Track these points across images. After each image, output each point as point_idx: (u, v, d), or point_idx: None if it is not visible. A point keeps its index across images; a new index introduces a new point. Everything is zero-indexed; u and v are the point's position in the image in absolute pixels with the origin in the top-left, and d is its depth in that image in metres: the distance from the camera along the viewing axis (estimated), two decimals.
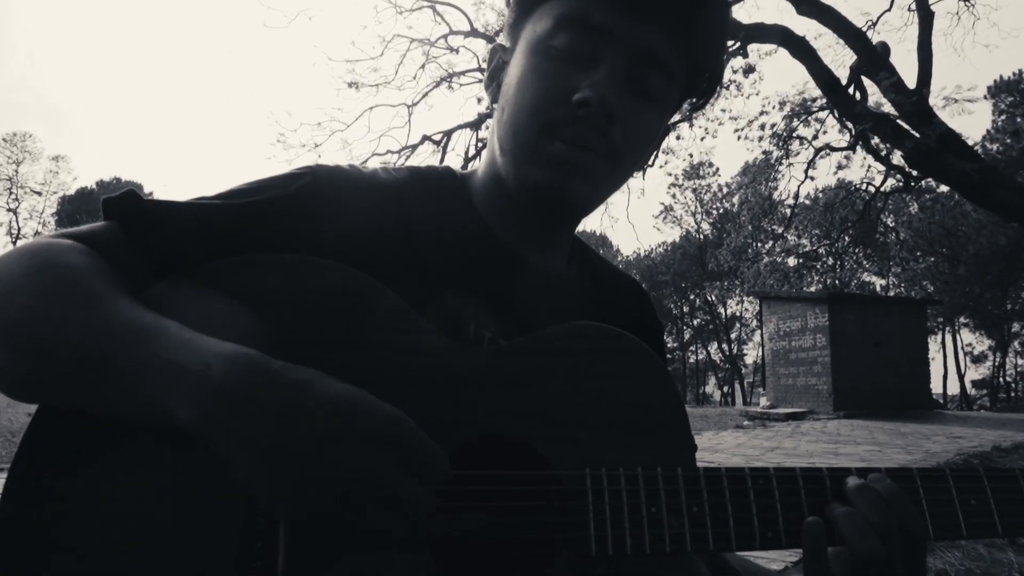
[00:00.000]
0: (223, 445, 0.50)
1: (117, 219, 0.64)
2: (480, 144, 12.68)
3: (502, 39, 0.76)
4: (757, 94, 15.79)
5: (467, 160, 12.58)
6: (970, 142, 16.92)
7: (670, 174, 16.92)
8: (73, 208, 51.37)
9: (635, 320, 0.86)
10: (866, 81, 12.16)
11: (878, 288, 43.29)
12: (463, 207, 0.76)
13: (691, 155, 16.57)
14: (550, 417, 0.59)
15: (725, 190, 46.35)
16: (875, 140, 13.40)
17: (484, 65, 0.80)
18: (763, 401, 17.48)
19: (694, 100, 0.76)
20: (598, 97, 0.63)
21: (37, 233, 51.74)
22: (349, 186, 0.71)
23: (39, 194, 52.17)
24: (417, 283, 0.67)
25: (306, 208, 0.67)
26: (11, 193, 51.00)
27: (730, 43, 12.99)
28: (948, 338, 44.18)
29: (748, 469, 0.58)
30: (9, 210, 50.96)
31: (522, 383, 0.61)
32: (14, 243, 50.52)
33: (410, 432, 0.52)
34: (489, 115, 0.80)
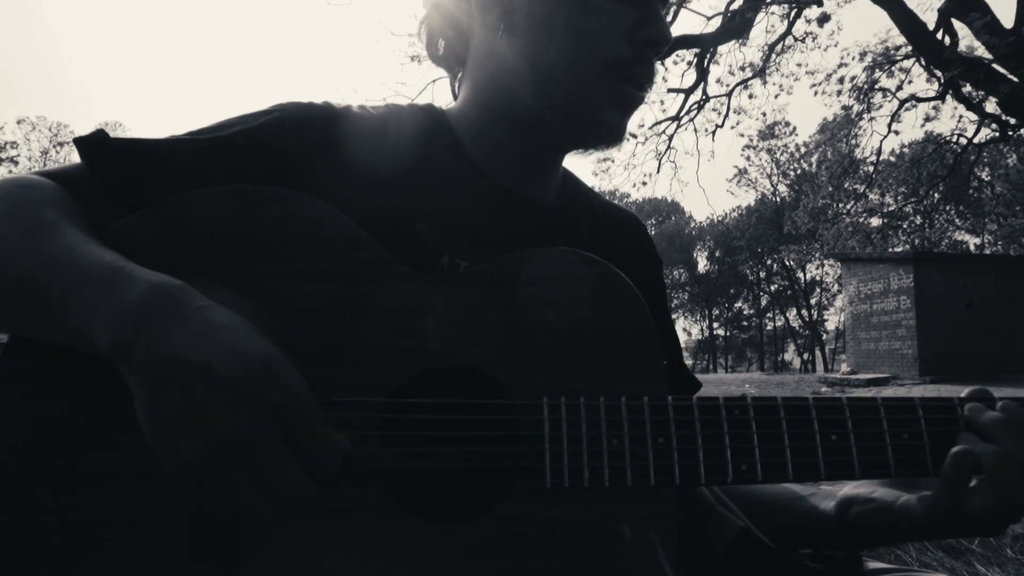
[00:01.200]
0: (127, 375, 0.49)
1: (87, 158, 0.65)
2: None
3: None
4: (836, 45, 14.95)
5: None
6: None
7: (743, 135, 16.33)
8: None
9: (632, 254, 0.82)
10: (956, 24, 11.31)
11: (972, 247, 40.83)
12: (443, 139, 0.74)
13: (764, 114, 15.91)
14: (512, 345, 0.56)
15: (803, 150, 44.47)
16: (967, 88, 12.50)
17: None
18: (843, 367, 16.85)
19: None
20: (664, 37, 0.65)
21: None
22: (320, 121, 0.70)
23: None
24: (391, 214, 0.66)
25: (271, 143, 0.67)
26: None
27: None
28: None
29: (722, 398, 0.53)
30: None
31: (485, 309, 0.57)
32: None
33: (307, 409, 0.48)
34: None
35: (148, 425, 0.47)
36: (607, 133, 0.70)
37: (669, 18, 0.69)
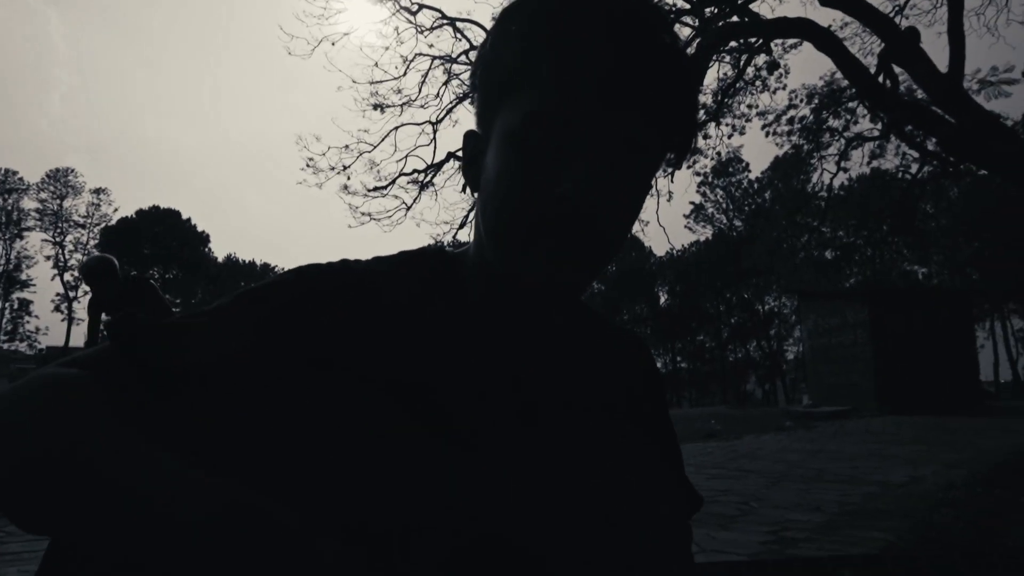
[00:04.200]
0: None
1: (118, 345, 0.65)
2: None
3: (476, 127, 0.75)
4: (784, 88, 15.38)
5: None
6: (1009, 123, 16.41)
7: (699, 173, 16.70)
8: (115, 238, 52.95)
9: (639, 380, 0.85)
10: (897, 68, 11.89)
11: (920, 277, 42.25)
12: (453, 291, 0.76)
13: (719, 153, 16.33)
14: (554, 521, 0.59)
15: (756, 186, 45.79)
16: (909, 127, 13.07)
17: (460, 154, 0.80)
18: (805, 400, 17.14)
19: (672, 157, 0.76)
20: (579, 192, 0.63)
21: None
22: (338, 291, 0.70)
23: (83, 227, 53.93)
24: (399, 383, 0.66)
25: (286, 321, 0.67)
26: (56, 227, 52.78)
27: (752, 40, 12.85)
28: (997, 325, 42.87)
29: (743, 564, 0.57)
30: (55, 243, 52.74)
31: (523, 482, 0.60)
32: (60, 275, 52.36)
33: None
34: (463, 174, 0.80)
35: None
36: (530, 285, 0.69)
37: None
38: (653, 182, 0.77)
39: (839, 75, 12.96)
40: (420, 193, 13.60)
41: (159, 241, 53.49)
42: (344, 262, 0.75)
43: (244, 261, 64.08)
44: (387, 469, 0.60)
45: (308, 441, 0.62)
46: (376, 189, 13.43)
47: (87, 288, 5.47)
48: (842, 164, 16.05)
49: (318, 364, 0.64)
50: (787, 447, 8.02)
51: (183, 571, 0.53)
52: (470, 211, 13.61)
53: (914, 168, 15.78)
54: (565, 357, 0.79)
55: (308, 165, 13.79)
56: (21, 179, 52.68)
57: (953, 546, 2.54)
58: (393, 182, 13.29)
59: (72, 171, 54.10)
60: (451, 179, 13.36)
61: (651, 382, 0.88)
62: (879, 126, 14.56)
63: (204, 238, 58.72)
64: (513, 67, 0.67)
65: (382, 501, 0.59)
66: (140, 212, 55.75)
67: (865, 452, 7.16)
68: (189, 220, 57.95)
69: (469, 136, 0.75)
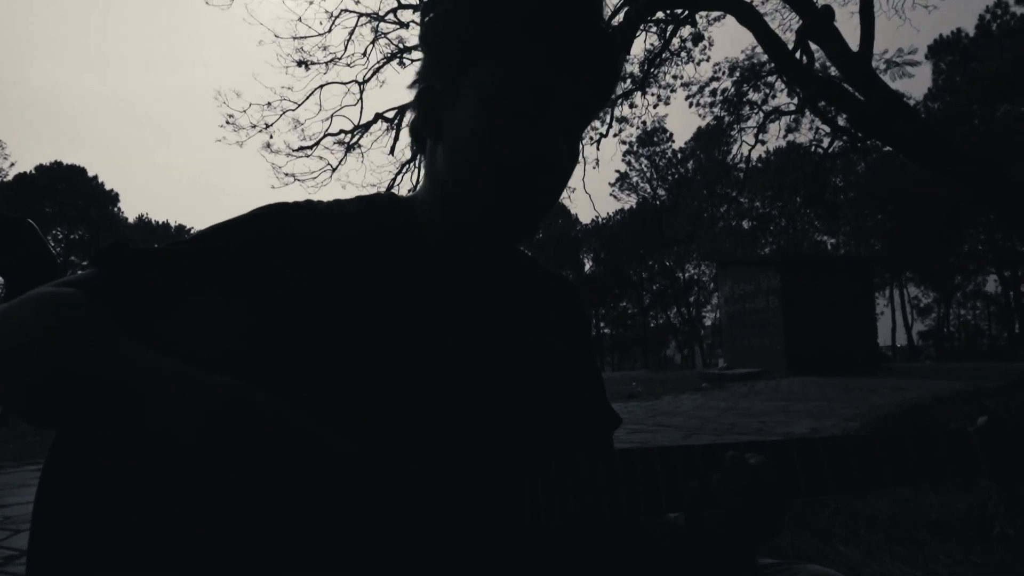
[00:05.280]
0: (215, 464, 0.59)
1: (104, 268, 0.72)
2: None
3: (431, 82, 0.82)
4: (708, 60, 15.80)
5: None
6: (912, 102, 17.42)
7: (624, 142, 17.06)
8: (13, 195, 49.54)
9: (571, 318, 0.97)
10: (813, 45, 12.40)
11: (829, 247, 44.60)
12: (408, 230, 0.85)
13: (644, 123, 16.63)
14: (491, 416, 0.70)
15: (679, 156, 46.94)
16: (822, 103, 13.69)
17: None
18: (720, 363, 18.00)
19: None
20: (550, 152, 0.76)
21: None
22: (298, 220, 0.79)
23: None
24: (360, 303, 0.75)
25: (258, 251, 0.74)
26: None
27: (678, 11, 13.11)
28: (895, 293, 45.86)
29: (656, 449, 0.70)
30: None
31: (467, 389, 0.71)
32: None
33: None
34: (418, 129, 0.88)
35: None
36: (504, 232, 0.81)
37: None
38: (580, 147, 0.91)
39: (759, 50, 13.44)
40: (346, 155, 13.33)
41: (62, 199, 50.32)
42: (308, 201, 0.83)
43: (158, 222, 61.16)
44: (352, 373, 0.70)
45: (280, 347, 0.70)
46: (301, 149, 13.10)
47: None
48: (760, 137, 16.72)
49: (288, 284, 0.73)
50: (702, 405, 8.47)
51: (189, 463, 0.62)
52: (397, 174, 13.45)
53: (826, 143, 16.61)
54: (511, 289, 0.90)
55: (228, 122, 13.28)
56: None
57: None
58: (318, 143, 12.98)
59: None
60: (378, 141, 13.17)
61: (581, 320, 1.01)
62: (795, 101, 15.22)
63: (113, 197, 55.58)
64: (484, 32, 0.77)
65: (350, 401, 0.68)
66: (40, 168, 52.17)
67: (773, 409, 7.65)
68: (96, 178, 54.63)
69: (425, 92, 0.83)
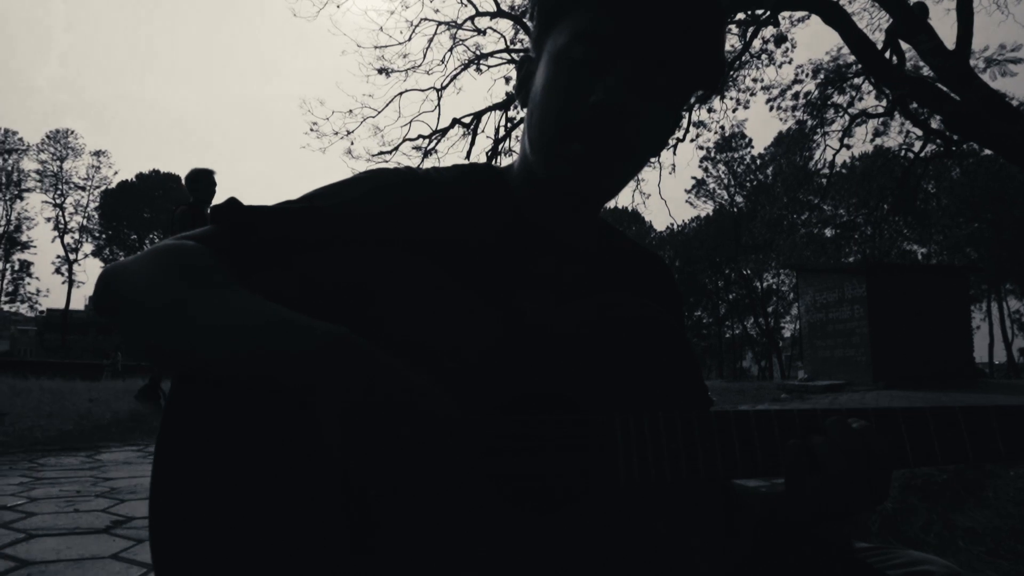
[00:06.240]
0: (318, 404, 0.62)
1: (224, 223, 0.77)
2: (508, 124, 12.70)
3: (530, 51, 0.86)
4: (790, 62, 15.27)
5: (497, 141, 12.63)
6: (1015, 103, 16.36)
7: (702, 147, 16.68)
8: (115, 201, 52.81)
9: (661, 292, 0.96)
10: (904, 45, 11.85)
11: (919, 257, 42.34)
12: (501, 195, 0.87)
13: (723, 127, 16.26)
14: (587, 378, 0.71)
15: (759, 162, 45.61)
16: (913, 105, 13.05)
17: (514, 75, 0.91)
18: (800, 374, 17.35)
19: (701, 92, 0.85)
20: (610, 99, 0.73)
21: (82, 226, 53.30)
22: (403, 187, 0.82)
23: (83, 189, 53.69)
24: (456, 263, 0.77)
25: (365, 211, 0.79)
26: (57, 188, 52.55)
27: (759, 12, 12.77)
28: (994, 305, 43.09)
29: (752, 411, 0.69)
30: (55, 205, 52.56)
31: (561, 348, 0.72)
32: (61, 237, 52.31)
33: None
34: (516, 95, 0.91)
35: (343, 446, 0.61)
36: (560, 184, 0.78)
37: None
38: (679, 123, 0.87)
39: (845, 50, 12.92)
40: (424, 160, 13.61)
41: (159, 205, 53.28)
42: (408, 167, 0.86)
43: None
44: (446, 331, 0.72)
45: (381, 303, 0.73)
46: (380, 154, 13.44)
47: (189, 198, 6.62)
48: (845, 141, 16.04)
49: (390, 242, 0.76)
50: None
51: (296, 408, 0.64)
52: None
53: (917, 146, 15.80)
54: (606, 256, 0.90)
55: (312, 129, 13.77)
56: (21, 139, 52.32)
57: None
58: (397, 148, 13.30)
59: (72, 132, 53.79)
60: (454, 146, 13.40)
61: (674, 297, 1.00)
62: (884, 103, 14.54)
63: None
64: None
65: (445, 358, 0.70)
66: (140, 176, 55.46)
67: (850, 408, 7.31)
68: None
69: (523, 60, 0.85)
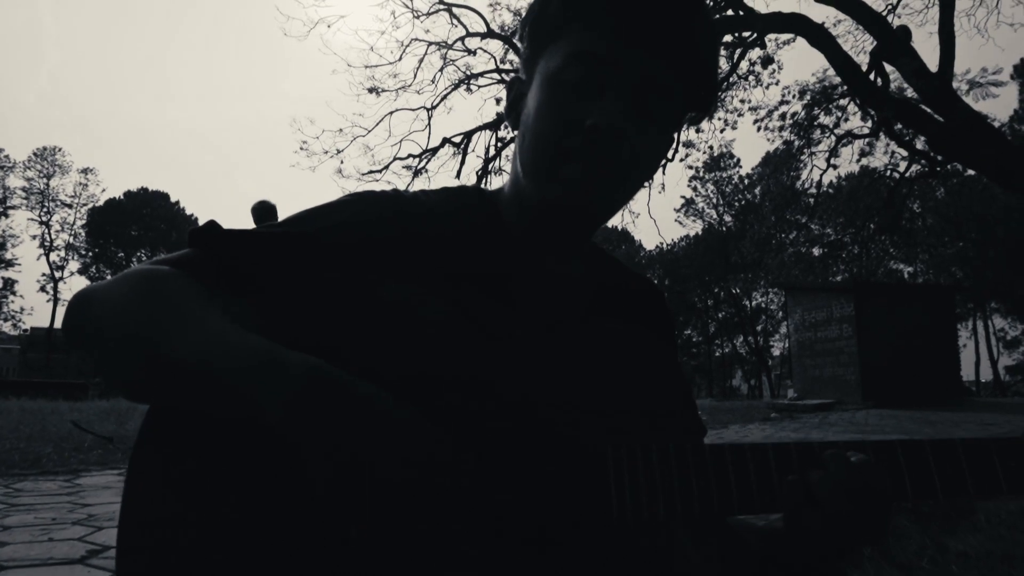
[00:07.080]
0: (301, 443, 0.58)
1: (201, 247, 0.74)
2: (498, 144, 12.75)
3: (520, 73, 0.84)
4: (776, 83, 15.47)
5: (487, 160, 12.68)
6: (996, 124, 16.62)
7: (691, 167, 16.83)
8: (102, 219, 52.50)
9: (651, 315, 0.93)
10: (888, 67, 12.03)
11: (906, 275, 42.72)
12: (490, 220, 0.84)
13: (711, 147, 16.41)
14: (577, 404, 0.68)
15: (747, 181, 46.05)
16: (898, 126, 13.22)
17: (503, 95, 0.88)
18: (790, 393, 17.37)
19: (694, 114, 0.83)
20: (606, 122, 0.71)
21: (68, 244, 52.92)
22: (389, 211, 0.80)
23: (69, 206, 53.30)
24: (443, 289, 0.75)
25: (345, 236, 0.76)
26: (43, 206, 52.17)
27: (747, 34, 12.95)
28: (979, 324, 43.46)
29: (747, 444, 0.66)
30: (41, 223, 52.15)
31: (552, 376, 0.69)
32: (47, 255, 51.91)
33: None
34: (506, 116, 0.89)
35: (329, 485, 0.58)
36: (555, 207, 0.76)
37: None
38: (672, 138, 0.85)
39: (831, 72, 13.08)
40: (413, 179, 13.63)
41: (147, 223, 53.05)
42: (395, 190, 0.84)
43: None
44: (433, 360, 0.69)
45: (363, 332, 0.70)
46: (370, 173, 13.46)
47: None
48: (832, 161, 16.21)
49: (373, 269, 0.73)
50: (771, 436, 8.18)
51: (272, 438, 0.61)
52: None
53: (902, 167, 15.97)
54: (596, 282, 0.88)
55: (302, 148, 13.78)
56: (7, 156, 51.99)
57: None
58: (387, 167, 13.32)
59: (59, 149, 53.70)
60: (444, 165, 13.42)
61: (666, 321, 0.97)
62: (869, 124, 14.72)
63: (193, 221, 58.25)
64: (556, 16, 0.76)
65: (431, 388, 0.67)
66: (128, 194, 55.20)
67: (848, 441, 7.32)
68: (178, 203, 57.43)
69: (513, 82, 0.83)
